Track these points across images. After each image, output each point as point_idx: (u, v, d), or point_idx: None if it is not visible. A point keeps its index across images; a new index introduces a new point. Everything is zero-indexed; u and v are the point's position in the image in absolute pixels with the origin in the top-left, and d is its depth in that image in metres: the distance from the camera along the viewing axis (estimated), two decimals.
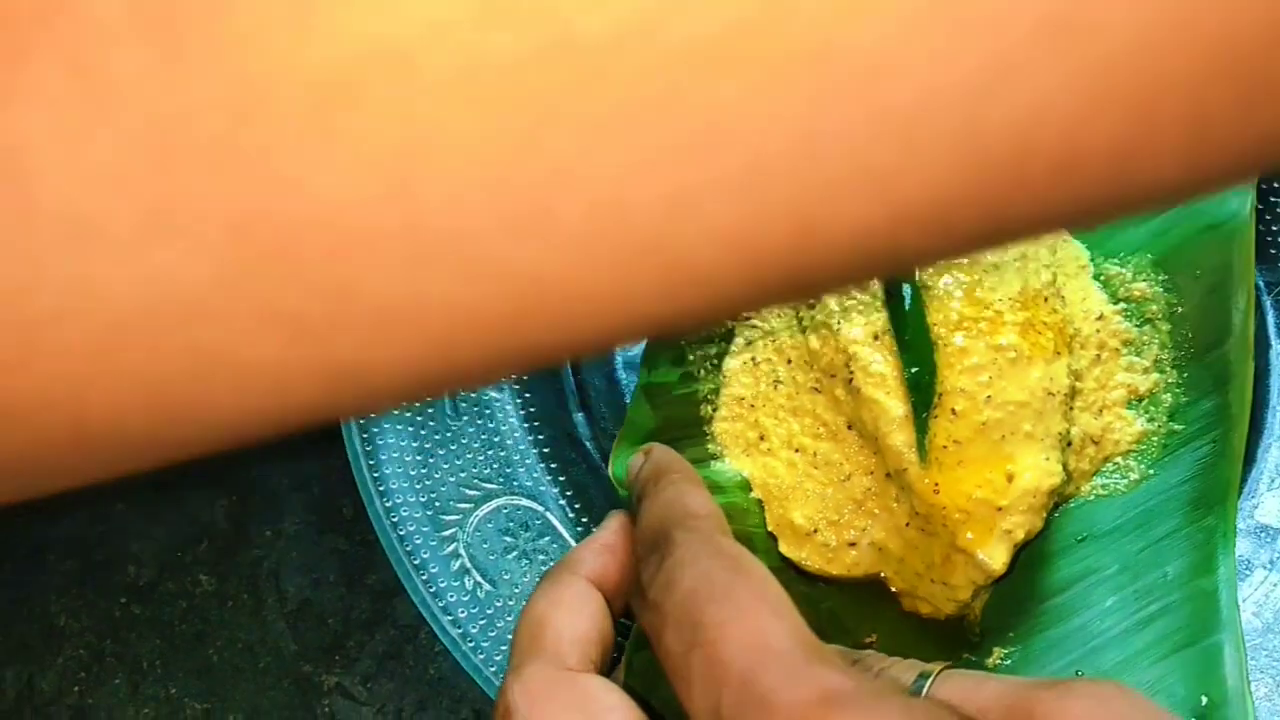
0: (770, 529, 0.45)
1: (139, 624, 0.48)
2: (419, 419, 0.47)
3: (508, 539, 0.46)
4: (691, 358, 0.47)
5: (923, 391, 0.42)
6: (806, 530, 0.44)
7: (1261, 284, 0.48)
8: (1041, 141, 0.15)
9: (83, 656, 0.48)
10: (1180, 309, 0.47)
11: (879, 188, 0.16)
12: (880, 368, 0.42)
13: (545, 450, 0.48)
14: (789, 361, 0.46)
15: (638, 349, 0.48)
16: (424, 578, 0.45)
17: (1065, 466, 0.43)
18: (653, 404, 0.47)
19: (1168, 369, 0.46)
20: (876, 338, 0.43)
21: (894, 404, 0.42)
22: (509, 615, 0.44)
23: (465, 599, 0.45)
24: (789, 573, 0.44)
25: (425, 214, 0.16)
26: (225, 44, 0.15)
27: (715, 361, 0.47)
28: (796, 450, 0.45)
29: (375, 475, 0.46)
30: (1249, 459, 0.46)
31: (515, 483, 0.47)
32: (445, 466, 0.47)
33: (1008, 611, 0.43)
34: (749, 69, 0.15)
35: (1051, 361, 0.42)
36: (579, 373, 0.49)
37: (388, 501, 0.46)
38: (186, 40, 0.15)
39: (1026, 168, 0.16)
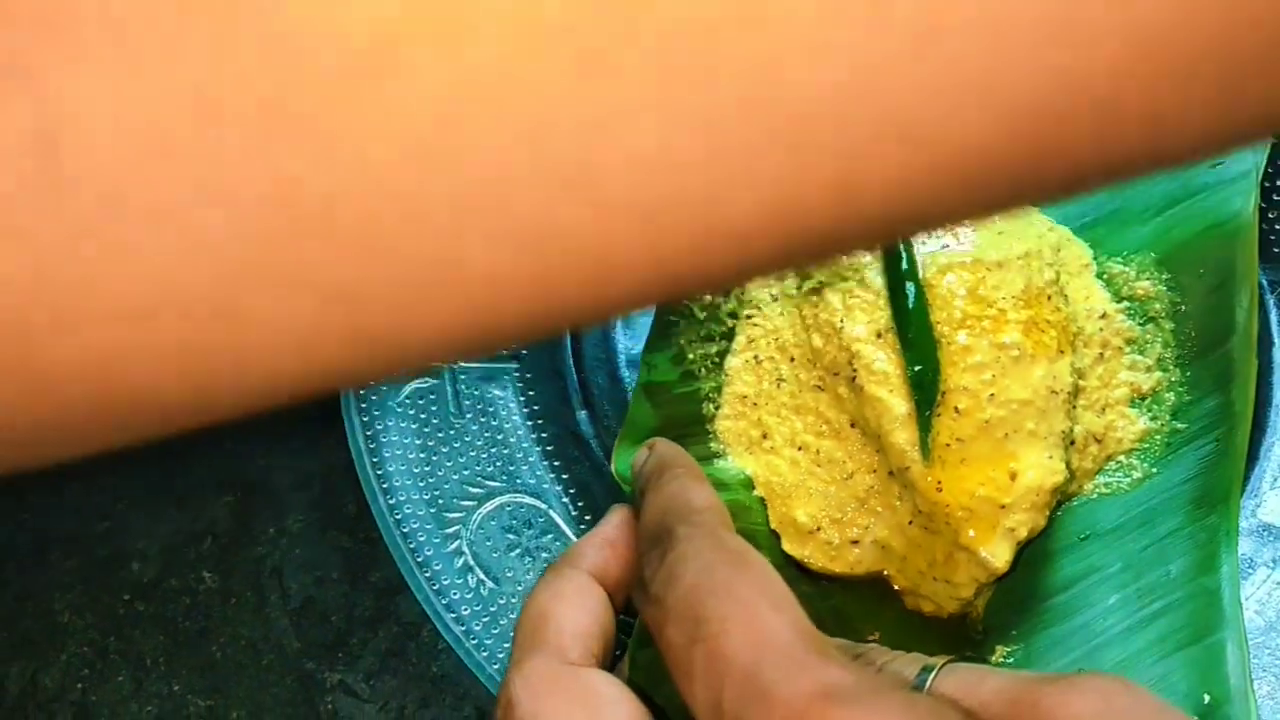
0: (773, 527, 0.45)
1: (142, 621, 0.48)
2: (422, 417, 0.47)
3: (511, 536, 0.46)
4: (692, 356, 0.47)
5: (926, 389, 0.42)
6: (809, 528, 0.44)
7: (1265, 282, 0.48)
8: (1082, 99, 0.15)
9: (86, 653, 0.48)
10: (1183, 307, 0.47)
11: (921, 144, 0.16)
12: (883, 366, 0.43)
13: (548, 448, 0.48)
14: (792, 359, 0.46)
15: (638, 348, 0.48)
16: (427, 575, 0.45)
17: (1068, 465, 0.43)
18: (653, 403, 0.47)
19: (1171, 367, 0.46)
20: (880, 336, 0.43)
21: (897, 402, 0.42)
22: (512, 613, 0.44)
23: (469, 596, 0.45)
24: (791, 571, 0.44)
25: (466, 176, 0.16)
26: (269, 8, 0.15)
27: (716, 360, 0.47)
28: (799, 448, 0.45)
29: (379, 473, 0.46)
30: (1252, 457, 0.46)
31: (518, 480, 0.47)
32: (449, 464, 0.47)
33: (1010, 610, 0.43)
34: (794, 24, 0.15)
35: (1055, 360, 0.42)
36: (582, 371, 0.49)
37: (391, 499, 0.46)
38: (231, 5, 0.15)
39: (1066, 125, 0.16)
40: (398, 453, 0.47)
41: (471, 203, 0.16)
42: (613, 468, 0.45)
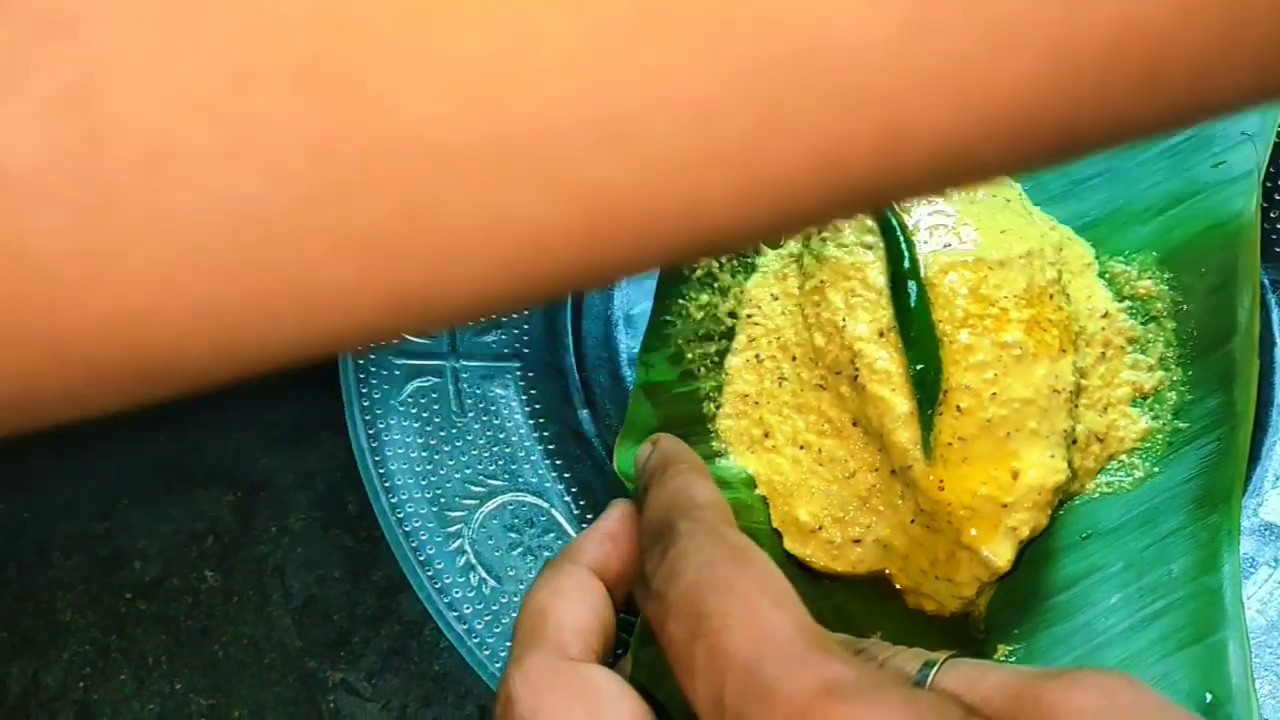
0: (775, 526, 0.45)
1: (144, 620, 0.48)
2: (424, 415, 0.47)
3: (513, 535, 0.46)
4: (690, 356, 0.47)
5: (928, 388, 0.42)
6: (811, 527, 0.44)
7: (1267, 282, 0.48)
8: (1130, 49, 0.15)
9: (88, 652, 0.48)
10: (1185, 307, 0.47)
11: (969, 93, 0.16)
12: (885, 365, 0.43)
13: (550, 447, 0.48)
14: (794, 358, 0.46)
15: (638, 346, 0.48)
16: (429, 574, 0.45)
17: (1070, 464, 0.43)
18: (653, 402, 0.47)
19: (1173, 367, 0.46)
20: (882, 334, 0.43)
21: (899, 401, 0.42)
22: (514, 611, 0.44)
23: (470, 595, 0.45)
24: (793, 570, 0.44)
25: (511, 130, 0.15)
26: None
27: (715, 359, 0.47)
28: (801, 447, 0.45)
29: (381, 471, 0.46)
30: (1254, 457, 0.46)
31: (520, 479, 0.47)
32: (450, 463, 0.47)
33: (1012, 608, 0.43)
34: None
35: (1057, 359, 0.42)
36: (584, 370, 0.49)
37: (393, 498, 0.46)
38: None
39: (1112, 76, 0.16)
40: (400, 451, 0.47)
41: (514, 158, 0.16)
42: (614, 466, 0.45)
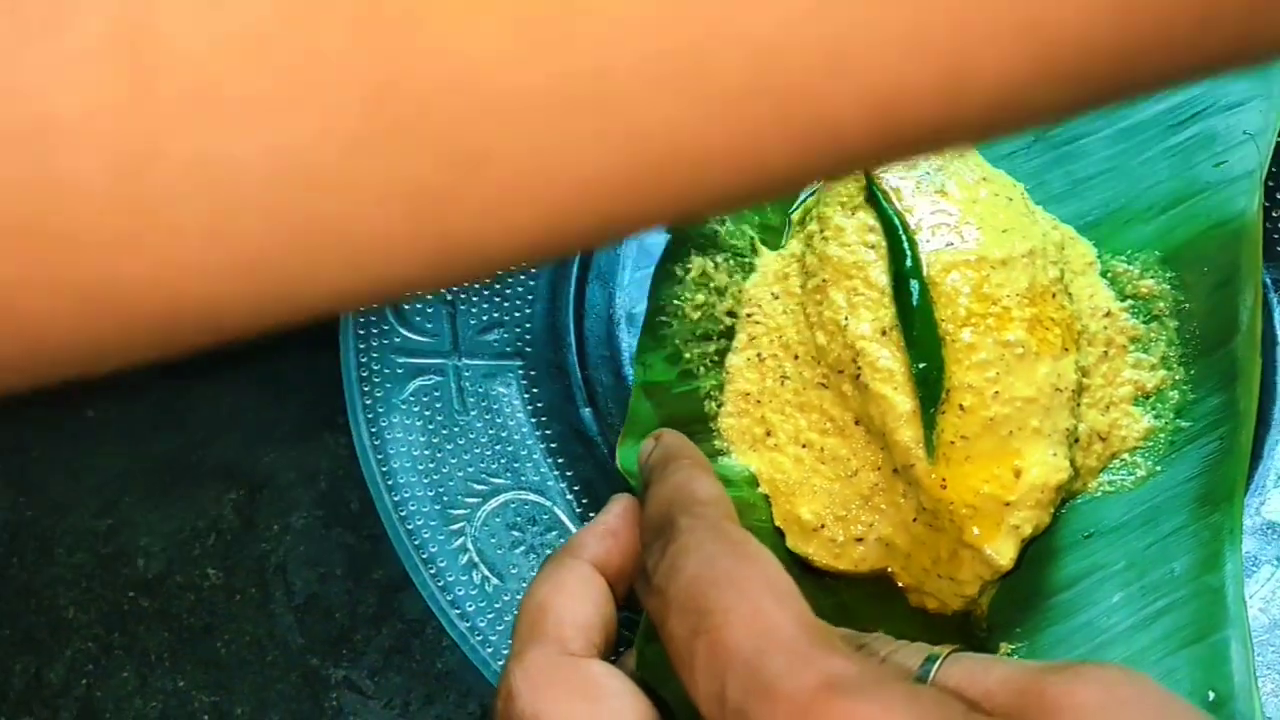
0: (777, 524, 0.45)
1: (147, 617, 0.48)
2: (427, 414, 0.47)
3: (515, 533, 0.46)
4: (688, 356, 0.47)
5: (930, 387, 0.42)
6: (813, 525, 0.44)
7: (1269, 281, 0.48)
8: None
9: (91, 649, 0.48)
10: (1188, 306, 0.47)
11: (1032, 35, 0.16)
12: (888, 363, 0.43)
13: (552, 445, 0.48)
14: (796, 357, 0.46)
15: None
16: (432, 572, 0.45)
17: (1072, 462, 0.43)
18: (653, 401, 0.47)
19: (1175, 366, 0.46)
20: (884, 333, 0.43)
21: (901, 399, 0.42)
22: (516, 609, 0.44)
23: (473, 593, 0.45)
24: (796, 568, 0.44)
25: (572, 70, 0.15)
26: None
27: (715, 358, 0.47)
28: (803, 445, 0.45)
29: (384, 470, 0.46)
30: (1256, 456, 0.46)
31: (523, 478, 0.47)
32: (453, 461, 0.47)
33: (1015, 607, 0.43)
34: None
35: (1059, 358, 0.42)
36: (586, 368, 0.49)
37: (396, 496, 0.46)
38: None
39: (1174, 12, 0.16)
40: (402, 450, 0.47)
41: (572, 99, 0.15)
42: (617, 464, 0.45)
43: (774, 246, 0.49)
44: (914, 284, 0.43)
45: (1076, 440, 0.44)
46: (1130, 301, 0.47)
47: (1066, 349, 0.43)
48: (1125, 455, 0.45)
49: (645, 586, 0.33)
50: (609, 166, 0.16)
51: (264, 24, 0.15)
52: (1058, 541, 0.44)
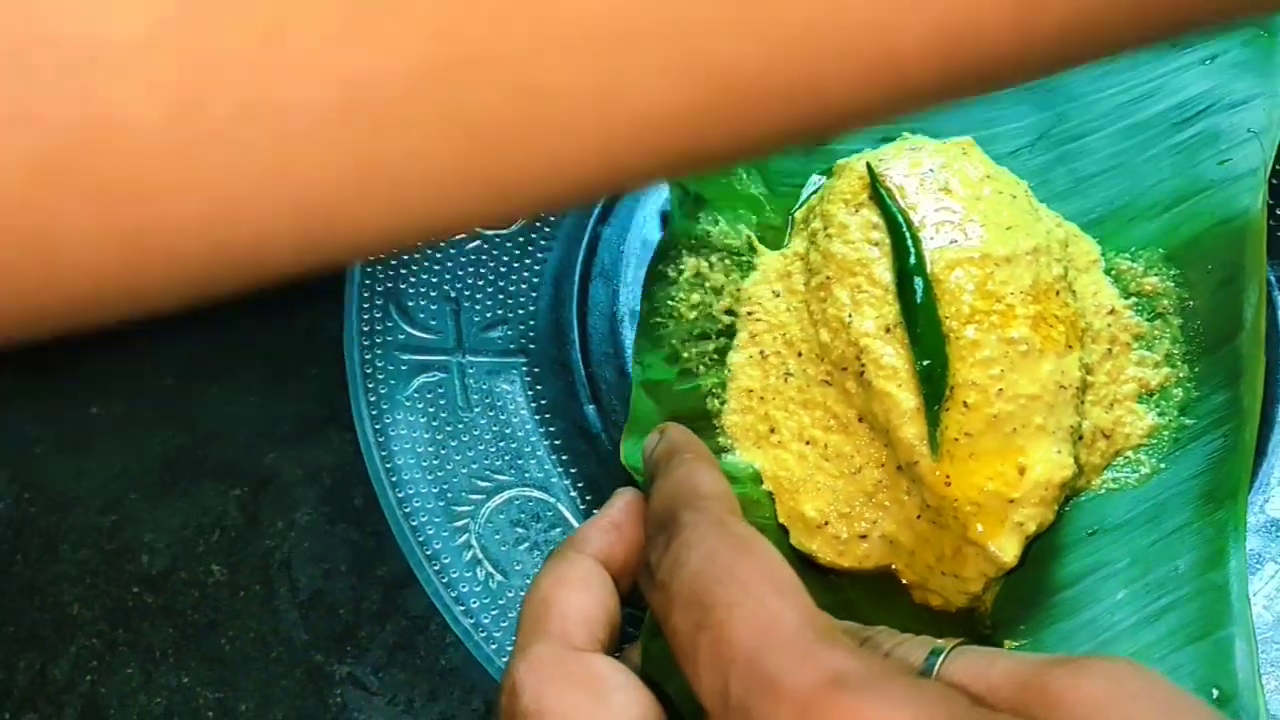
0: (781, 521, 0.45)
1: (151, 613, 0.48)
2: (431, 410, 0.47)
3: (519, 530, 0.46)
4: (686, 355, 0.47)
5: (934, 384, 0.42)
6: (817, 523, 0.44)
7: (1273, 278, 0.48)
8: None
9: (95, 645, 0.48)
10: (1191, 303, 0.47)
11: None
12: (892, 360, 0.43)
13: (556, 442, 0.48)
14: (799, 354, 0.46)
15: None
16: (436, 568, 0.45)
17: (1076, 460, 0.43)
18: (655, 399, 0.47)
19: (1179, 363, 0.46)
20: (888, 330, 0.43)
21: (905, 397, 0.42)
22: (520, 605, 0.44)
23: (477, 589, 0.45)
24: (799, 565, 0.44)
25: (639, 4, 0.15)
26: None
27: (715, 357, 0.47)
28: (807, 443, 0.45)
29: (388, 466, 0.46)
30: (1260, 453, 0.46)
31: (527, 474, 0.47)
32: (457, 458, 0.47)
33: (1019, 604, 0.43)
34: None
35: (1063, 355, 0.42)
36: (589, 365, 0.49)
37: (400, 492, 0.46)
38: None
39: None
40: (406, 446, 0.47)
41: (640, 32, 0.15)
42: (622, 460, 0.45)
43: (775, 246, 0.49)
44: (918, 281, 0.43)
45: (1080, 437, 0.44)
46: (1134, 299, 0.47)
47: (1070, 346, 0.43)
48: (1129, 452, 0.45)
49: (649, 581, 0.33)
50: (670, 101, 0.16)
51: None
52: (1062, 539, 0.44)
